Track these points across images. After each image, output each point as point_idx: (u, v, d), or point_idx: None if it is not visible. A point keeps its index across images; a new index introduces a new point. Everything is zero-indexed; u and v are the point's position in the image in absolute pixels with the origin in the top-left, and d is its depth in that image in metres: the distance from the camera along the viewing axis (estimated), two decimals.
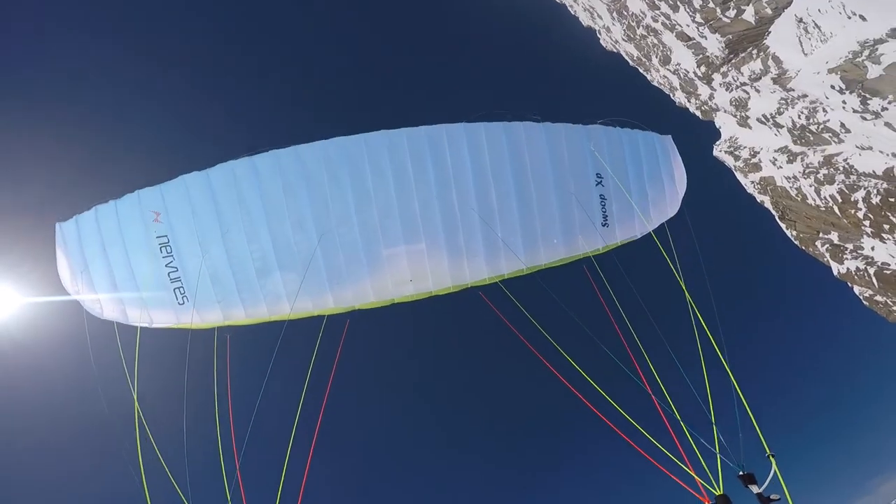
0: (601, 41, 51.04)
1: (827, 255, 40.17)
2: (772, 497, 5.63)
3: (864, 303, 42.49)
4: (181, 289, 8.37)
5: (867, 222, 30.69)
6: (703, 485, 6.00)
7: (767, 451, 6.00)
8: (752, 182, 38.66)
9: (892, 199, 25.73)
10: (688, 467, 6.09)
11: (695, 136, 41.00)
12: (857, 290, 41.89)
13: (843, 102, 22.33)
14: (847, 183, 28.38)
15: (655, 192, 9.89)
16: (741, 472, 6.00)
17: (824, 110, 25.07)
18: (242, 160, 8.32)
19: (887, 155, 22.95)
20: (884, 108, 20.31)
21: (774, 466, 5.79)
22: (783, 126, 29.09)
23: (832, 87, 22.30)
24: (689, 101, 38.66)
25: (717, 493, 5.97)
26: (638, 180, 9.71)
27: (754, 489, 5.84)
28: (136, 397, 7.49)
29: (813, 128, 26.61)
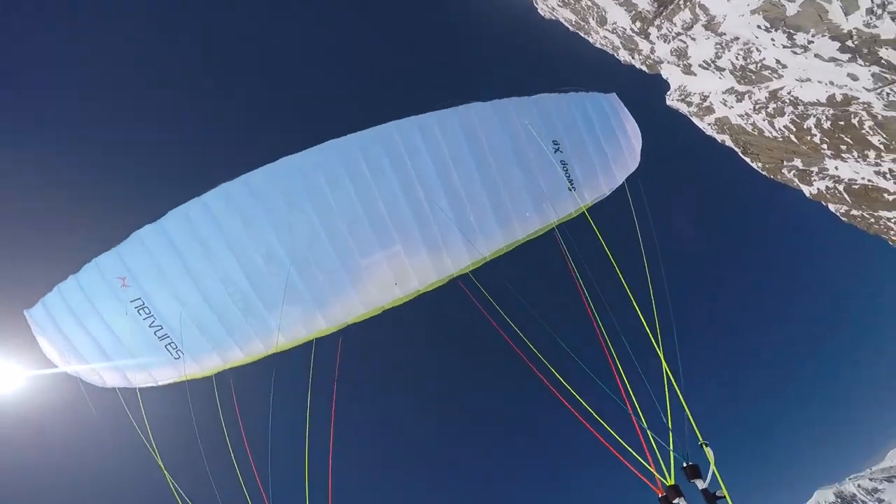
0: (539, 10, 50.43)
1: (796, 179, 40.41)
2: (717, 494, 5.19)
3: (843, 219, 42.92)
4: (172, 344, 8.22)
5: (825, 146, 30.89)
6: (656, 475, 5.71)
7: (700, 439, 5.63)
8: (709, 124, 38.72)
9: (842, 123, 25.86)
10: (648, 463, 5.81)
11: (647, 90, 40.92)
12: (832, 207, 42.27)
13: (773, 40, 22.33)
14: (796, 113, 28.47)
15: (613, 149, 9.96)
16: (685, 464, 5.60)
17: (758, 50, 25.07)
18: (192, 202, 8.00)
19: (825, 83, 23.05)
20: (809, 42, 20.33)
21: (711, 459, 5.44)
22: (724, 69, 29.08)
23: (758, 27, 22.28)
24: (633, 57, 38.47)
25: (669, 482, 5.62)
26: (594, 140, 9.76)
27: (699, 484, 5.44)
28: (161, 463, 7.74)
29: (752, 67, 26.63)
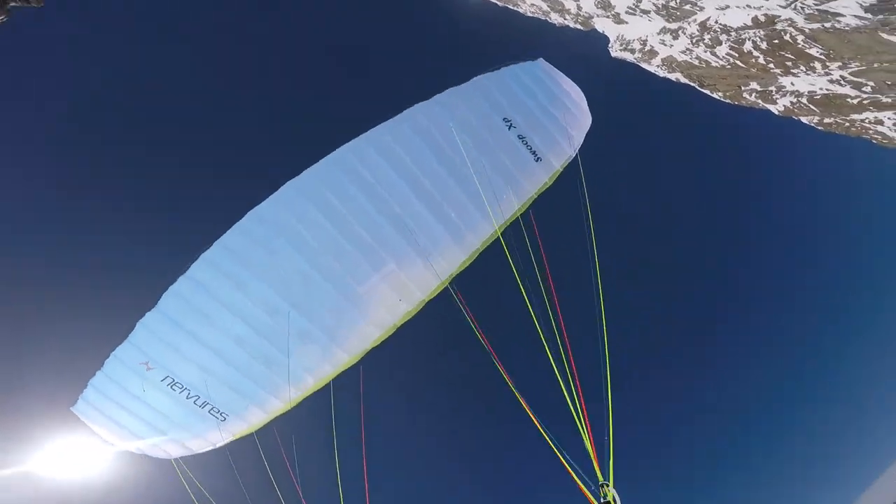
0: None
1: (759, 101, 39.03)
2: None
3: (819, 128, 41.52)
4: (214, 409, 8.64)
5: (771, 65, 29.63)
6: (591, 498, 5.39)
7: (600, 478, 5.35)
8: (658, 66, 37.49)
9: (776, 41, 24.75)
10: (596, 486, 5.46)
11: (588, 46, 39.77)
12: (805, 119, 40.87)
13: None
14: (732, 39, 27.37)
15: (561, 111, 9.94)
16: (602, 500, 5.28)
17: None
18: (181, 279, 8.24)
19: (743, 7, 22.10)
20: None
21: (612, 499, 5.19)
22: (649, 11, 28.16)
23: None
24: (564, 18, 37.43)
25: None
26: (540, 107, 9.75)
27: None
28: None
29: (673, 4, 25.71)
